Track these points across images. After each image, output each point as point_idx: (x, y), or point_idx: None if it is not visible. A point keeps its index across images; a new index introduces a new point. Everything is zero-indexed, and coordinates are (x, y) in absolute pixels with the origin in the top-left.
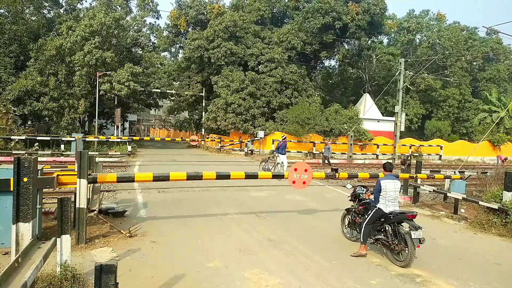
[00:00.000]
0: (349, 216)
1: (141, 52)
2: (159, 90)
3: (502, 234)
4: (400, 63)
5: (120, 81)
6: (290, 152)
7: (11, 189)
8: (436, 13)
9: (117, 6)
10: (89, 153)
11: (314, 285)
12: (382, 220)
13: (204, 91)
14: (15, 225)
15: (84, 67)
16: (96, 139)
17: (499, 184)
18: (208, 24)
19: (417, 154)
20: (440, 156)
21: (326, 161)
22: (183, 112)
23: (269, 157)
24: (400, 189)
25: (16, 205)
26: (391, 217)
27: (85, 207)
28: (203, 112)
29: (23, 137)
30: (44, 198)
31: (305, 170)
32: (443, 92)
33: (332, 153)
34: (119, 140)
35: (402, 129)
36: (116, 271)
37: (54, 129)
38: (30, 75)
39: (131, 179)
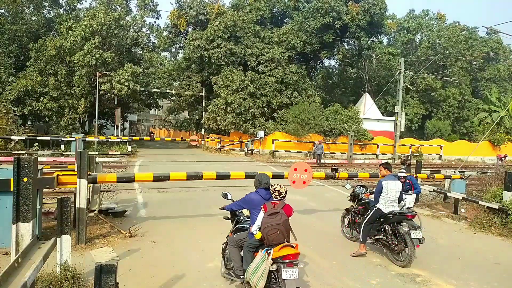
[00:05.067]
0: (348, 216)
1: (141, 52)
2: (159, 90)
3: (502, 234)
4: (400, 63)
5: (120, 81)
6: (290, 152)
7: (11, 189)
8: (436, 13)
9: (117, 6)
10: (89, 153)
11: (314, 285)
12: (381, 220)
13: (204, 91)
14: (15, 225)
15: (84, 67)
16: (96, 139)
17: (499, 184)
18: (208, 24)
19: (417, 154)
20: (440, 156)
21: (318, 161)
22: (183, 112)
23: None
24: (401, 190)
25: (16, 205)
26: (391, 217)
27: (85, 207)
28: (203, 112)
29: (23, 137)
30: (44, 198)
31: (305, 170)
32: (443, 92)
33: (332, 153)
34: (119, 140)
35: (402, 129)
36: (116, 271)
37: (54, 129)
38: (30, 75)
39: (131, 179)
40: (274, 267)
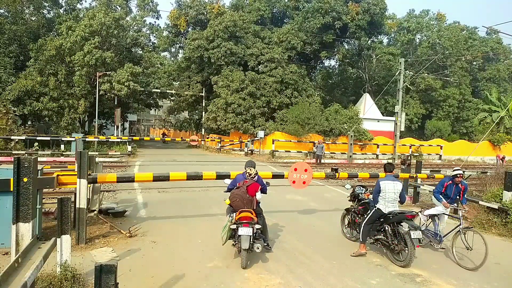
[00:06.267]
0: (348, 216)
1: (141, 52)
2: (159, 90)
3: (502, 234)
4: (400, 63)
5: (120, 81)
6: (290, 152)
7: (11, 189)
8: (436, 13)
9: (117, 6)
10: (89, 153)
11: (314, 285)
12: (381, 220)
13: (204, 91)
14: (15, 225)
15: (84, 67)
16: (96, 139)
17: (499, 184)
18: (208, 24)
19: (417, 154)
20: (440, 156)
21: (318, 161)
22: (183, 112)
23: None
24: (402, 190)
25: (16, 205)
26: (391, 217)
27: (85, 207)
28: (203, 112)
29: (23, 137)
30: (44, 198)
31: (305, 170)
32: (443, 92)
33: (332, 153)
34: (119, 140)
35: (402, 129)
36: (116, 271)
37: (54, 129)
38: (30, 75)
39: (131, 179)
40: (234, 226)
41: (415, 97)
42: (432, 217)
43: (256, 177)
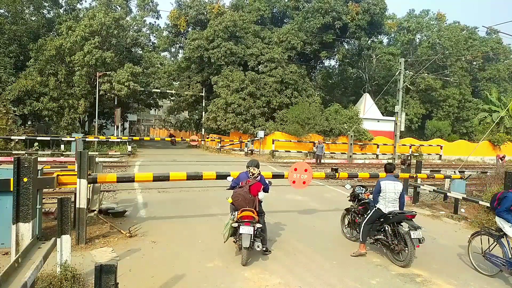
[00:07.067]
0: (348, 216)
1: (141, 52)
2: (159, 90)
3: None
4: (400, 63)
5: (120, 81)
6: (290, 152)
7: (11, 189)
8: (436, 13)
9: (117, 6)
10: (89, 153)
11: (314, 285)
12: (381, 220)
13: (204, 91)
14: (15, 225)
15: (84, 67)
16: (96, 139)
17: (499, 183)
18: (208, 24)
19: (417, 154)
20: (440, 156)
21: (318, 161)
22: (183, 112)
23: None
24: (402, 190)
25: (16, 205)
26: (391, 217)
27: (85, 207)
28: (203, 112)
29: (23, 137)
30: (44, 198)
31: (305, 170)
32: (443, 92)
33: (332, 153)
34: (119, 140)
35: (402, 129)
36: (116, 271)
37: (54, 129)
38: (30, 75)
39: (131, 179)
40: (235, 225)
41: (415, 97)
42: (498, 239)
43: (259, 177)
